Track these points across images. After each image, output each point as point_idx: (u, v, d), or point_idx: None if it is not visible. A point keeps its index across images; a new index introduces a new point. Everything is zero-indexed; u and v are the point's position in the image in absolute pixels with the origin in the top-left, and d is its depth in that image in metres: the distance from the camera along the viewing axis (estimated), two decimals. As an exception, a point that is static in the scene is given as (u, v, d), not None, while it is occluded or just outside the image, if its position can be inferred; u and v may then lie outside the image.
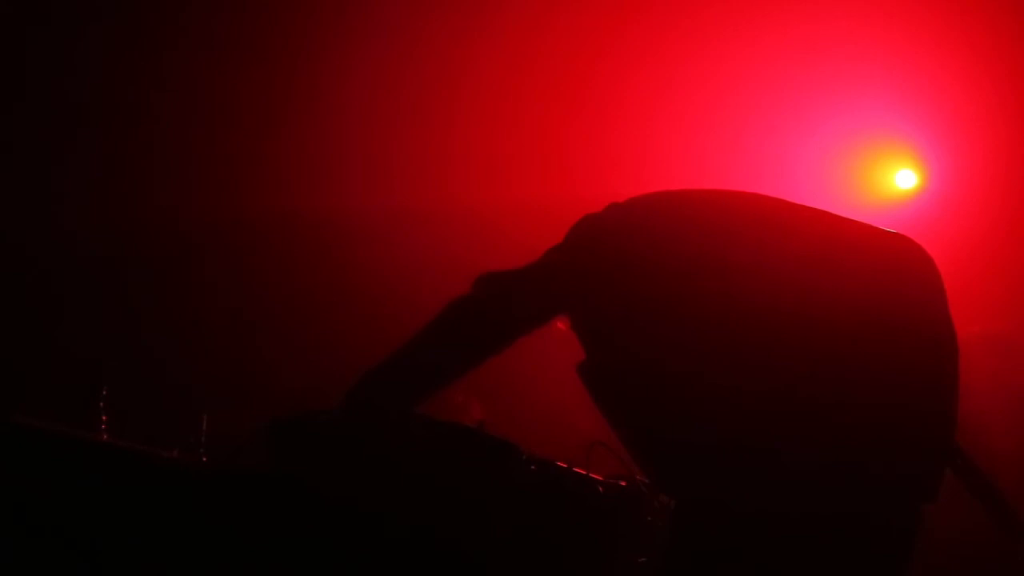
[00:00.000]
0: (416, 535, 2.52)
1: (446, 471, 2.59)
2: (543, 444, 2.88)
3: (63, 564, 2.34)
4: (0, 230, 5.23)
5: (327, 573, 2.47)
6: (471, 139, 5.77)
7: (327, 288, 5.56)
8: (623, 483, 2.86)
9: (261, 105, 5.68)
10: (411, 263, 5.30)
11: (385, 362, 2.70)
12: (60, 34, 5.45)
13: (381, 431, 2.58)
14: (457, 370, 2.73)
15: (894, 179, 6.13)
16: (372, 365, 2.69)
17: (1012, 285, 5.71)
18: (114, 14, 5.52)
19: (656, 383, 2.65)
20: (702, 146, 6.00)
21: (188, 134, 5.65)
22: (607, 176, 5.61)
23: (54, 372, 4.31)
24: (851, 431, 2.53)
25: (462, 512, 2.58)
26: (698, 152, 5.93)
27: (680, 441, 2.64)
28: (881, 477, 2.55)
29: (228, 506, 2.45)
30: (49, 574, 2.32)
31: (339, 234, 5.59)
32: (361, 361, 2.73)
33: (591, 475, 2.84)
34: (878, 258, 2.68)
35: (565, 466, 2.80)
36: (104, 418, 2.72)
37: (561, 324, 2.85)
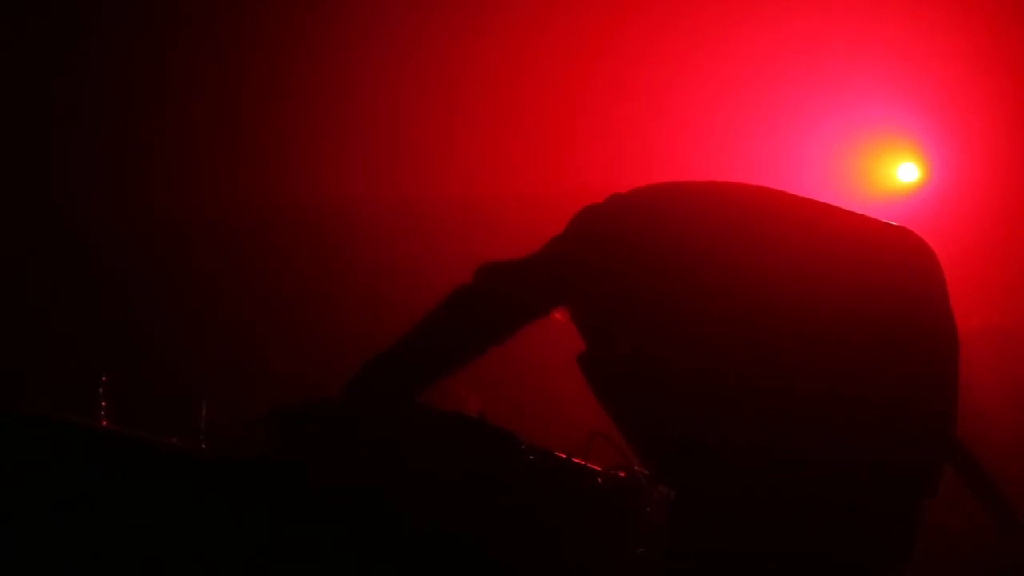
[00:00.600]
0: (415, 524, 2.52)
1: (445, 460, 2.59)
2: (543, 434, 2.88)
3: (62, 551, 2.34)
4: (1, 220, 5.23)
5: (326, 561, 2.47)
6: (474, 131, 5.76)
7: (329, 278, 5.56)
8: (622, 474, 2.86)
9: (262, 98, 5.67)
10: (413, 254, 5.30)
11: (386, 351, 2.70)
12: (59, 28, 5.45)
13: (382, 420, 2.59)
14: (458, 360, 2.73)
15: (896, 173, 6.12)
16: (374, 354, 2.70)
17: (1013, 278, 5.71)
18: (115, 8, 5.51)
19: (656, 376, 2.65)
20: (705, 140, 5.99)
21: (188, 127, 5.65)
22: (610, 167, 5.61)
23: (54, 360, 4.31)
24: (851, 425, 2.53)
25: (461, 501, 2.58)
26: (701, 146, 5.92)
27: (680, 433, 2.64)
28: (881, 471, 2.55)
29: (227, 493, 2.45)
30: (48, 560, 2.32)
31: (341, 225, 5.59)
32: (362, 351, 2.73)
33: (590, 466, 2.84)
34: (880, 252, 2.68)
35: (564, 456, 2.80)
36: (104, 404, 2.72)
37: (559, 315, 2.85)
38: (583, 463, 2.82)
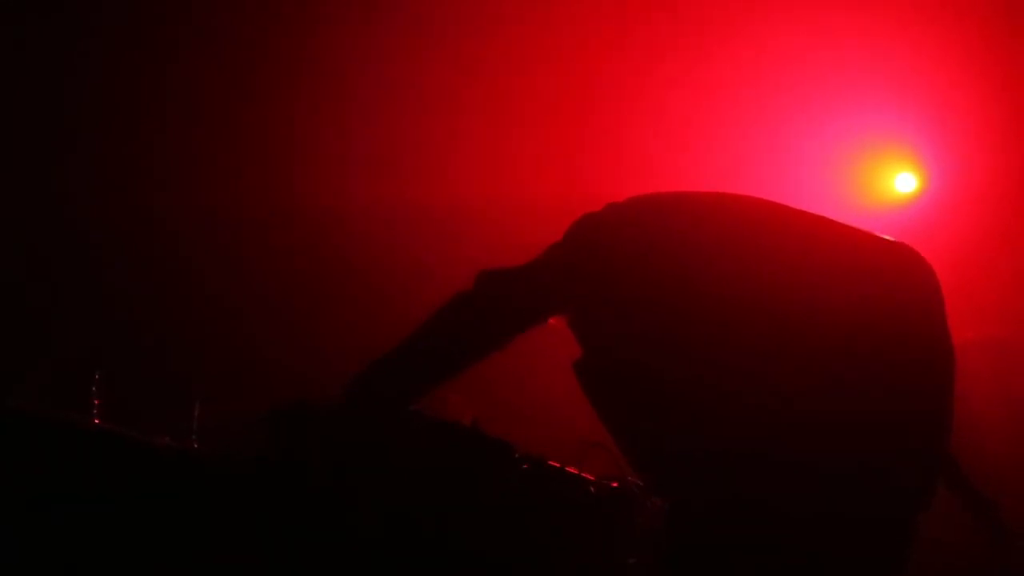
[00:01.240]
0: (407, 530, 2.51)
1: (439, 468, 2.58)
2: (538, 440, 2.88)
3: (53, 550, 2.33)
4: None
5: (317, 563, 2.47)
6: (474, 136, 5.75)
7: (328, 281, 5.55)
8: (615, 484, 2.86)
9: (260, 96, 5.66)
10: (413, 258, 5.29)
11: (385, 357, 2.70)
12: (59, 26, 5.43)
13: (377, 425, 2.58)
14: (457, 366, 2.73)
15: (894, 182, 6.12)
16: (372, 359, 2.69)
17: (1011, 289, 5.71)
18: (114, 6, 5.50)
19: (651, 385, 2.65)
20: (702, 148, 5.99)
21: (183, 123, 5.63)
22: (608, 174, 5.60)
23: (47, 358, 4.30)
24: (846, 439, 2.53)
25: (454, 509, 2.58)
26: (699, 154, 5.92)
27: (674, 444, 2.64)
28: (876, 485, 2.55)
29: (221, 492, 2.44)
30: (40, 560, 2.31)
31: (341, 228, 5.58)
32: (361, 355, 2.72)
33: (583, 475, 2.83)
34: (877, 267, 2.68)
35: (558, 466, 2.80)
36: (96, 402, 2.71)
37: (556, 321, 2.84)
38: (577, 472, 2.82)
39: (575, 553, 2.77)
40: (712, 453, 2.58)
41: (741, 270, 2.65)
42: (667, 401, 2.63)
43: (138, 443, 2.41)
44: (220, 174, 5.62)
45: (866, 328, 2.59)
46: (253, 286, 5.44)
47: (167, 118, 5.60)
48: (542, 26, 5.72)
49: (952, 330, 2.84)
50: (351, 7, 5.68)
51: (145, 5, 5.56)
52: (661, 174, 5.72)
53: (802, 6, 5.80)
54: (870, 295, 2.62)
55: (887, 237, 2.78)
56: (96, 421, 2.55)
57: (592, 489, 2.82)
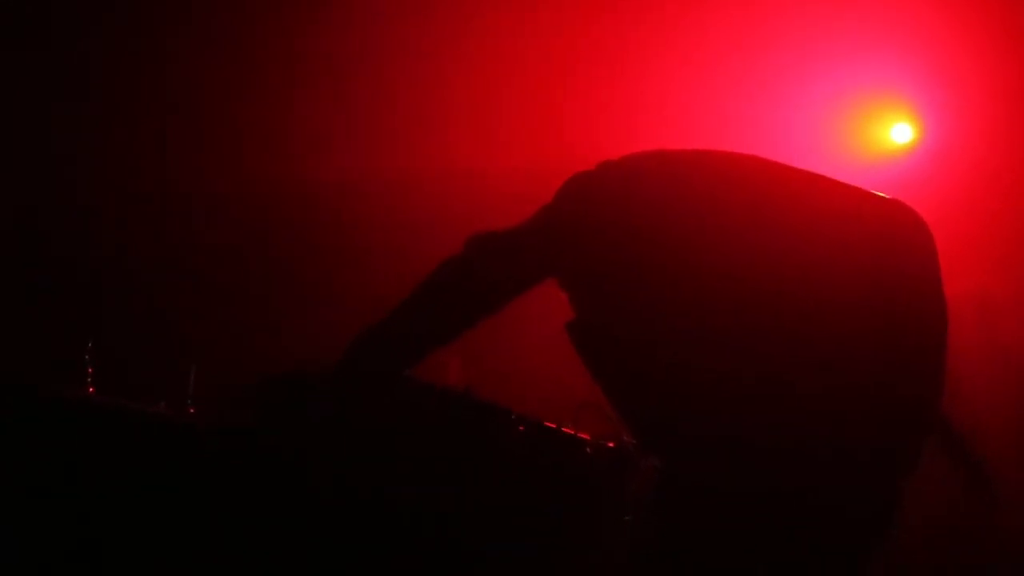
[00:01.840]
0: (403, 498, 2.52)
1: (434, 434, 2.59)
2: (533, 402, 2.88)
3: (50, 522, 2.34)
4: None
5: (312, 534, 2.48)
6: (466, 102, 5.71)
7: (320, 249, 5.53)
8: (611, 443, 2.86)
9: (244, 73, 5.62)
10: (405, 225, 5.27)
11: (378, 325, 2.68)
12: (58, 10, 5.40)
13: (371, 394, 2.58)
14: (450, 333, 2.71)
15: (890, 134, 6.09)
16: (364, 328, 2.67)
17: (1009, 238, 5.70)
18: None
19: (642, 346, 2.65)
20: (696, 101, 5.94)
21: (177, 99, 5.60)
22: (601, 135, 5.55)
23: (41, 327, 4.29)
24: (835, 404, 2.53)
25: (450, 474, 2.59)
26: (692, 107, 5.88)
27: (665, 405, 2.64)
28: (863, 452, 2.55)
29: (214, 463, 2.45)
30: (37, 532, 2.32)
31: (332, 196, 5.56)
32: (353, 320, 2.71)
33: (579, 435, 2.84)
34: (872, 228, 2.66)
35: (553, 426, 2.80)
36: (90, 371, 2.71)
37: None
38: (572, 432, 2.83)
39: (572, 512, 2.79)
40: (701, 415, 2.58)
41: (734, 229, 2.64)
42: (659, 360, 2.63)
43: (133, 414, 2.41)
44: (206, 148, 5.59)
45: (859, 286, 2.59)
46: (246, 254, 5.43)
47: (158, 93, 5.56)
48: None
49: (947, 281, 2.83)
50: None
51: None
52: (654, 130, 5.69)
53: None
54: (864, 259, 2.61)
55: (882, 194, 2.76)
56: (91, 390, 2.55)
57: (588, 449, 2.82)
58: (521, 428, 2.71)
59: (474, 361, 2.98)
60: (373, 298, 2.71)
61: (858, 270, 2.60)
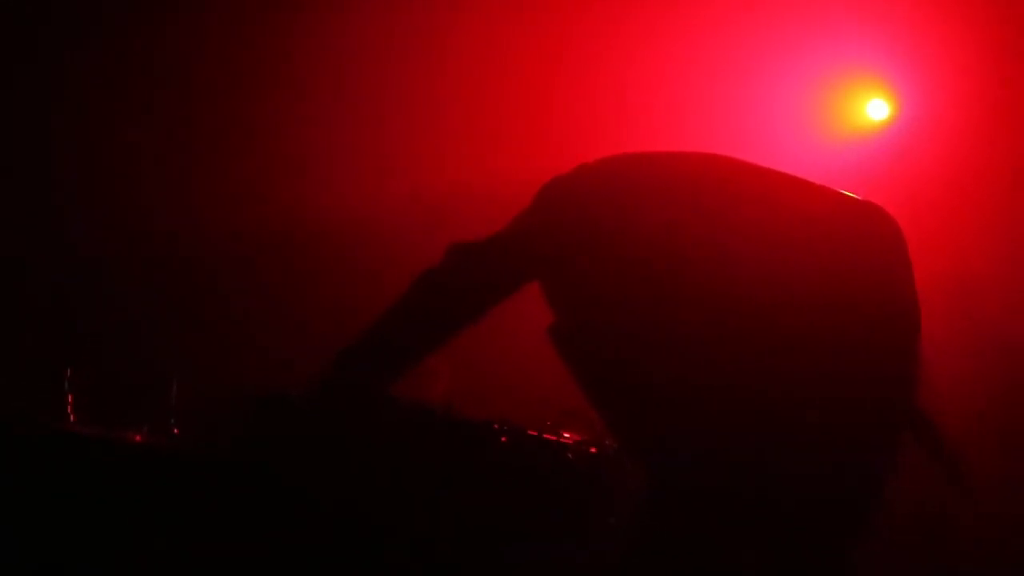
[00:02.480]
0: (388, 516, 2.54)
1: (417, 450, 2.60)
2: (516, 407, 2.90)
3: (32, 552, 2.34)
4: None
5: (297, 555, 2.49)
6: (453, 118, 5.68)
7: (310, 265, 5.51)
8: (593, 449, 2.88)
9: (237, 89, 5.58)
10: (387, 240, 5.24)
11: (359, 341, 2.67)
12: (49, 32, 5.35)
13: (352, 415, 2.58)
14: (431, 345, 2.70)
15: (866, 110, 6.08)
16: (345, 345, 2.66)
17: (987, 214, 5.71)
18: (109, 9, 5.42)
19: (624, 347, 2.66)
20: (675, 81, 5.93)
21: (155, 108, 5.56)
22: (585, 123, 5.52)
23: (18, 353, 4.28)
24: (812, 405, 2.55)
25: (435, 488, 2.60)
26: (673, 88, 5.86)
27: (648, 407, 2.66)
28: (842, 450, 2.58)
29: (197, 492, 2.45)
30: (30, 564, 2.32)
31: (315, 215, 5.53)
32: (337, 335, 2.70)
33: (561, 440, 2.86)
34: (844, 231, 2.68)
35: (535, 434, 2.82)
36: (70, 398, 2.69)
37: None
38: (555, 438, 2.85)
39: (557, 517, 2.81)
40: (683, 415, 2.60)
41: (709, 232, 2.66)
42: (641, 362, 2.65)
43: (115, 445, 2.41)
44: (198, 160, 5.56)
45: (831, 287, 2.61)
46: (229, 269, 5.41)
47: (150, 112, 5.53)
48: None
49: (925, 260, 2.85)
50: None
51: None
52: (634, 113, 5.67)
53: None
54: (836, 262, 2.63)
55: (854, 196, 2.78)
56: (72, 418, 2.55)
57: (570, 455, 2.84)
58: (504, 439, 2.72)
59: (461, 368, 3.00)
60: (363, 313, 2.69)
61: (830, 267, 2.62)
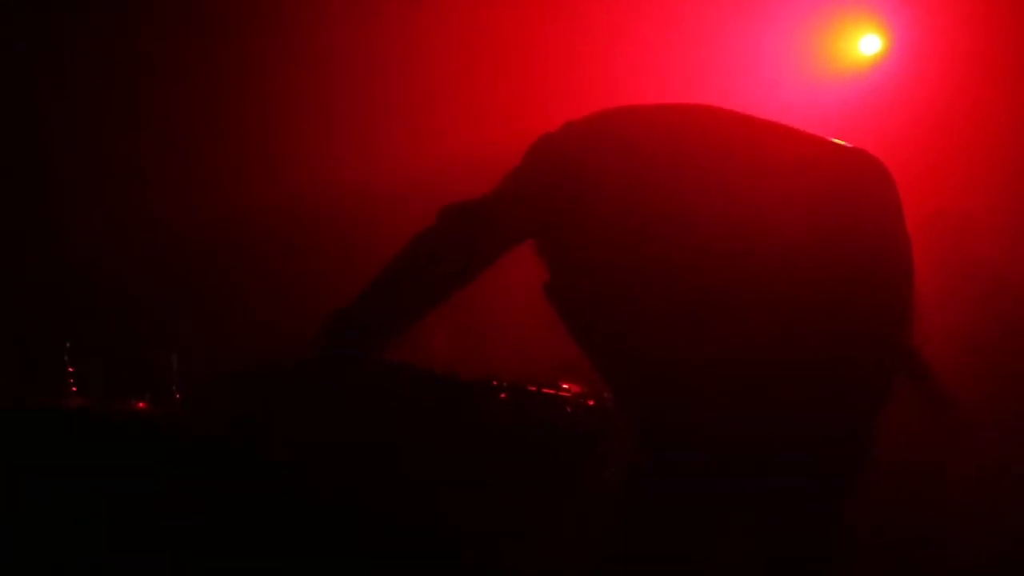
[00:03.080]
0: (387, 480, 2.56)
1: (416, 412, 2.62)
2: (515, 362, 2.92)
3: (44, 529, 2.37)
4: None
5: (301, 520, 2.52)
6: (443, 86, 5.66)
7: (306, 236, 5.51)
8: (591, 402, 2.91)
9: (230, 64, 5.56)
10: (384, 206, 5.23)
11: (352, 304, 2.68)
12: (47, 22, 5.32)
13: (351, 375, 2.60)
14: (426, 307, 2.72)
15: (858, 45, 6.05)
16: (339, 308, 2.68)
17: (979, 149, 5.71)
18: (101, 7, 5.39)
19: (619, 302, 2.68)
20: (666, 16, 5.89)
21: (153, 98, 5.55)
22: (573, 77, 5.50)
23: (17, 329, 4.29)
24: (804, 357, 2.57)
25: (435, 449, 2.63)
26: (661, 34, 5.83)
27: (644, 361, 2.69)
28: (834, 392, 2.61)
29: (197, 460, 2.47)
30: (35, 539, 2.34)
31: (311, 191, 5.53)
32: (330, 291, 2.71)
33: (560, 394, 2.89)
34: (834, 180, 2.68)
35: (534, 389, 2.85)
36: (71, 370, 2.71)
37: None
38: (553, 392, 2.87)
39: (555, 470, 2.84)
40: (679, 367, 2.63)
41: (699, 183, 2.67)
42: (636, 317, 2.67)
43: (117, 417, 2.43)
44: (184, 147, 5.55)
45: (821, 238, 2.62)
46: (226, 238, 5.42)
47: (149, 107, 5.51)
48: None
49: (919, 198, 2.86)
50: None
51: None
52: (625, 61, 5.65)
53: None
54: (825, 205, 2.64)
55: (843, 143, 2.78)
56: (73, 389, 2.56)
57: (569, 408, 2.87)
58: (503, 396, 2.75)
59: (456, 319, 3.01)
60: (355, 282, 2.70)
61: (819, 220, 2.63)
